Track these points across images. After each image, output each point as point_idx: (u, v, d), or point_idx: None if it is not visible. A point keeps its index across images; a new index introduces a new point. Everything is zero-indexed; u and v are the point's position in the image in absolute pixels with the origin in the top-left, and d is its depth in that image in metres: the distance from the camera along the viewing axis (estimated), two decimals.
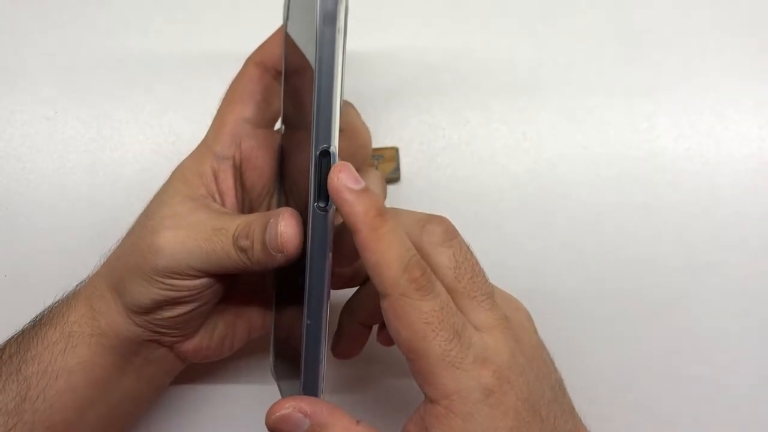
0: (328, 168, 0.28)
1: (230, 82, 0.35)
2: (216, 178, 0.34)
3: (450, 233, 0.30)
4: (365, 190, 0.28)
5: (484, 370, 0.28)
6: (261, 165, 0.35)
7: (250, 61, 0.35)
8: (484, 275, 0.30)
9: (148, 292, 0.32)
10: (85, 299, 0.34)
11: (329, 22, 0.27)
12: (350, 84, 0.45)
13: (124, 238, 0.35)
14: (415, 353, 0.27)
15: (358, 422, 0.29)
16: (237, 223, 0.31)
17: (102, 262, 0.35)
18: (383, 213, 0.28)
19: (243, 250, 0.31)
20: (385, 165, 0.43)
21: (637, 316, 0.43)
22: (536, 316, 0.34)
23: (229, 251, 0.31)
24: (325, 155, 0.28)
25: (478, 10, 0.46)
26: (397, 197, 0.43)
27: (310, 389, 0.30)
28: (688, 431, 0.41)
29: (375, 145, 0.36)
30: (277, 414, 0.29)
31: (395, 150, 0.43)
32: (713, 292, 0.43)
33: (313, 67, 0.27)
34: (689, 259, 0.43)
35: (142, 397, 0.37)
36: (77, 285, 0.35)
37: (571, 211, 0.44)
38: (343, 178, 0.27)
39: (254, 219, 0.31)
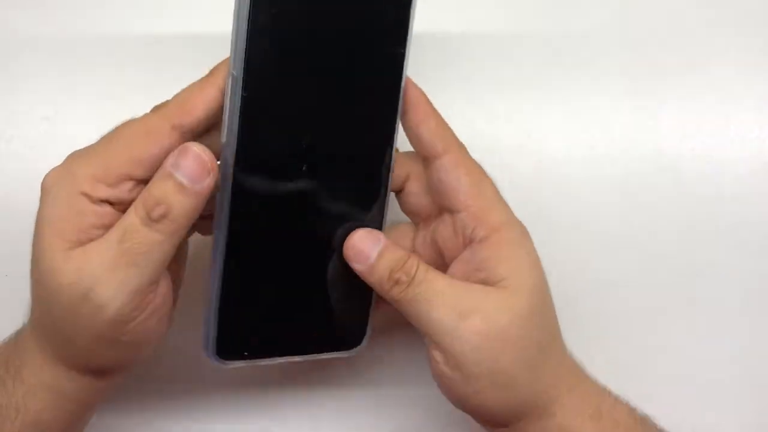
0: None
1: (132, 124, 0.31)
2: (104, 224, 0.30)
3: None
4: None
5: (516, 217, 0.34)
6: None
7: (165, 120, 0.30)
8: None
9: (123, 352, 0.31)
10: (46, 389, 0.32)
11: None
12: None
13: (48, 323, 0.32)
14: (473, 197, 0.33)
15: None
16: (132, 213, 0.29)
17: (28, 346, 0.32)
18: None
19: (162, 217, 0.29)
20: None
21: (637, 316, 0.43)
22: None
23: (149, 239, 0.29)
24: None
25: (482, 10, 0.46)
26: None
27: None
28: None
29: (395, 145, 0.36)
30: (361, 233, 0.33)
31: (395, 150, 0.43)
32: (716, 291, 0.43)
33: (410, 26, 0.31)
34: (693, 258, 0.43)
35: (94, 411, 0.37)
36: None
37: (576, 211, 0.44)
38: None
39: (150, 189, 0.30)
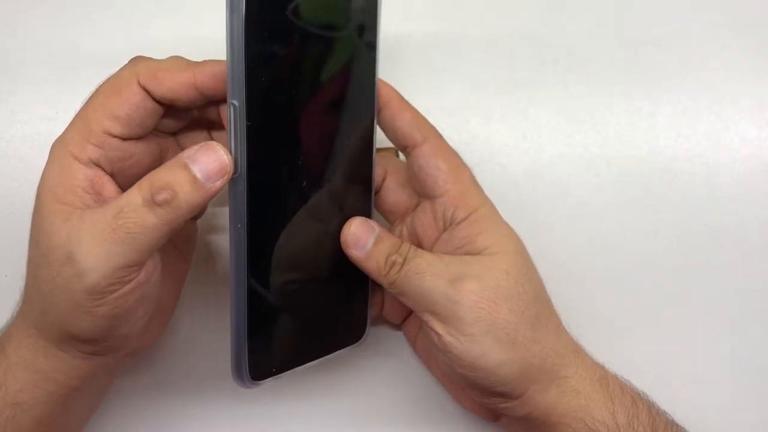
0: None
1: (106, 81, 0.32)
2: (93, 186, 0.31)
3: None
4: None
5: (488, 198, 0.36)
6: (137, 172, 0.32)
7: (135, 77, 0.31)
8: None
9: (95, 324, 0.31)
10: (24, 366, 0.32)
11: None
12: None
13: (32, 287, 0.32)
14: (451, 182, 0.35)
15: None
16: (135, 191, 0.30)
17: (16, 321, 0.33)
18: None
19: (165, 202, 0.29)
20: None
21: (635, 316, 0.43)
22: None
23: (144, 221, 0.29)
24: None
25: (478, 11, 0.46)
26: None
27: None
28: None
29: (376, 146, 0.36)
30: (357, 222, 0.34)
31: (395, 150, 0.43)
32: (712, 292, 0.43)
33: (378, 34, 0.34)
34: (688, 259, 0.43)
35: (93, 408, 0.38)
36: None
37: (571, 212, 0.44)
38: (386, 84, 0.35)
39: (160, 172, 0.30)
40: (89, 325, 0.31)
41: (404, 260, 0.33)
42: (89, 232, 0.29)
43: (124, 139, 0.32)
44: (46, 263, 0.30)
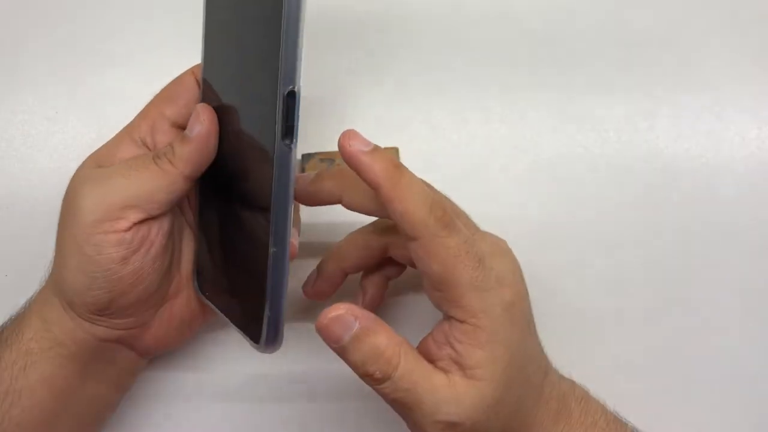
0: (293, 107, 0.29)
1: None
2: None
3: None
4: (377, 148, 0.30)
5: (503, 289, 0.32)
6: None
7: (190, 71, 0.36)
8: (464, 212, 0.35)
9: (88, 272, 0.32)
10: (36, 313, 0.34)
11: None
12: (351, 86, 0.45)
13: (56, 240, 0.34)
14: (445, 284, 0.31)
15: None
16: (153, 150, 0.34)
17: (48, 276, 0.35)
18: (398, 165, 0.30)
19: (163, 154, 0.33)
20: None
21: (636, 315, 0.43)
22: (536, 316, 0.34)
23: (148, 166, 0.32)
24: (291, 96, 0.29)
25: (478, 10, 0.46)
26: None
27: (275, 308, 0.32)
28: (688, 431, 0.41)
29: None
30: (333, 315, 0.31)
31: (395, 150, 0.43)
32: (713, 292, 0.43)
33: (283, 14, 0.28)
34: (688, 259, 0.43)
35: (107, 401, 0.38)
36: (27, 301, 0.35)
37: (571, 211, 0.44)
38: (355, 144, 0.30)
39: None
40: (85, 275, 0.32)
41: (387, 378, 0.30)
42: (100, 174, 0.33)
43: (172, 125, 0.35)
44: (63, 207, 0.34)
